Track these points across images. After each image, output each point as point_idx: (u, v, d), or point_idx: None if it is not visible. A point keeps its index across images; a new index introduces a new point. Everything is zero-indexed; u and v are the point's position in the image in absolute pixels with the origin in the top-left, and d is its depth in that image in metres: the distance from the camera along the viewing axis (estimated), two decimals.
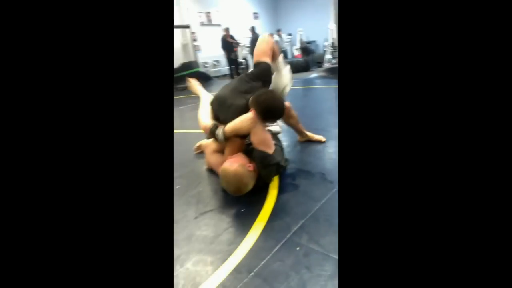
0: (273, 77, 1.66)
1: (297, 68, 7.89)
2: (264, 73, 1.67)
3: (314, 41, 9.18)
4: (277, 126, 1.83)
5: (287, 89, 1.62)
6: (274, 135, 1.69)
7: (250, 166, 1.41)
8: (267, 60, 1.67)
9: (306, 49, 8.31)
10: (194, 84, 2.07)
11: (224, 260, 1.05)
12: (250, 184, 1.41)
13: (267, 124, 1.64)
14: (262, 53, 1.67)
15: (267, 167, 1.45)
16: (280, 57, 1.74)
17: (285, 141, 2.13)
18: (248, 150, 1.54)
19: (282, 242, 1.11)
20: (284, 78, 1.66)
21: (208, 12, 9.12)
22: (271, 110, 1.46)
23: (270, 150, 1.44)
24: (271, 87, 1.72)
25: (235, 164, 1.39)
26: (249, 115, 1.45)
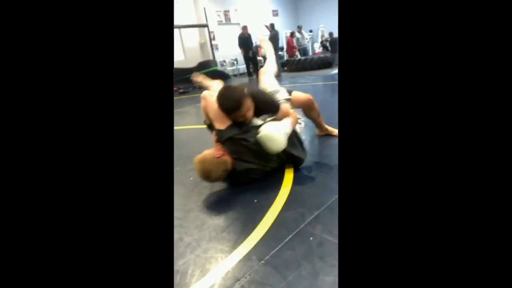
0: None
1: (318, 64, 7.80)
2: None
3: (336, 38, 8.99)
4: (300, 123, 1.79)
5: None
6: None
7: (218, 154, 1.46)
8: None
9: (332, 44, 8.15)
10: (202, 78, 2.18)
11: (234, 248, 1.03)
12: (214, 170, 1.44)
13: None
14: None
15: (222, 142, 1.55)
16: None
17: (303, 134, 2.08)
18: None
19: (295, 232, 1.07)
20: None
21: (227, 11, 9.18)
22: (224, 100, 1.52)
23: (222, 126, 1.55)
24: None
25: (204, 152, 1.48)
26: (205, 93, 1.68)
